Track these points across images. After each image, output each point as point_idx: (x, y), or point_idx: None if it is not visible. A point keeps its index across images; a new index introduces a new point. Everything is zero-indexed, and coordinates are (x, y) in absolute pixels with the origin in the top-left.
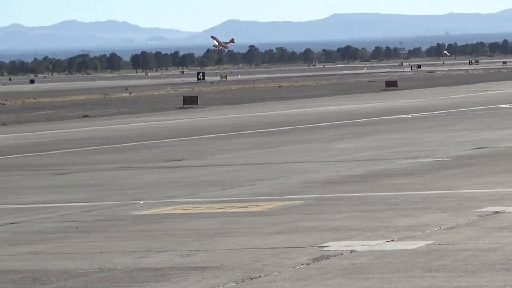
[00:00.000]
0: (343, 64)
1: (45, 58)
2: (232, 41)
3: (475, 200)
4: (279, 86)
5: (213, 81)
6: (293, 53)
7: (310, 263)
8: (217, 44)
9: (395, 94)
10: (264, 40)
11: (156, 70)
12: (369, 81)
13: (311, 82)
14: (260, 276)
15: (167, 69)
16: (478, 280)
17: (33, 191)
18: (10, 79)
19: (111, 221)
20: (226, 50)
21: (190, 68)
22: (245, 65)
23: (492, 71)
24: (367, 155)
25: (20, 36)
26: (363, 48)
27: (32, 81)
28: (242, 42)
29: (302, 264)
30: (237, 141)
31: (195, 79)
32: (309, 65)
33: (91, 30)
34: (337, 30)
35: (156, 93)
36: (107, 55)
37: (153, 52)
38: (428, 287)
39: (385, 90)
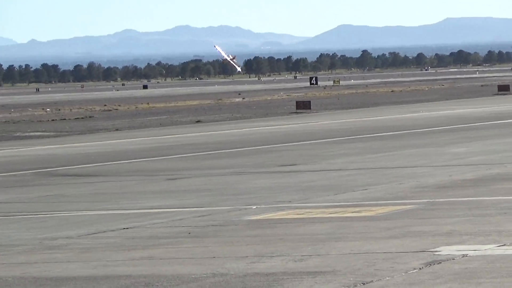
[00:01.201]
0: (456, 68)
1: (158, 63)
2: (233, 58)
3: None
4: (392, 91)
5: (326, 85)
6: (406, 57)
7: (422, 267)
8: (224, 57)
9: (507, 98)
10: (377, 44)
11: (269, 75)
12: (482, 85)
13: (424, 87)
14: (372, 281)
15: (280, 74)
16: None
17: (146, 196)
18: (123, 85)
19: (223, 226)
20: (237, 66)
21: (303, 73)
22: (358, 69)
23: None
24: (480, 159)
25: (133, 42)
26: (475, 53)
27: (145, 87)
28: (355, 47)
29: (414, 269)
30: (350, 146)
31: (308, 83)
32: (421, 70)
33: (204, 35)
34: (449, 35)
35: (269, 98)
36: (220, 60)
37: (266, 57)
38: None
39: (497, 94)
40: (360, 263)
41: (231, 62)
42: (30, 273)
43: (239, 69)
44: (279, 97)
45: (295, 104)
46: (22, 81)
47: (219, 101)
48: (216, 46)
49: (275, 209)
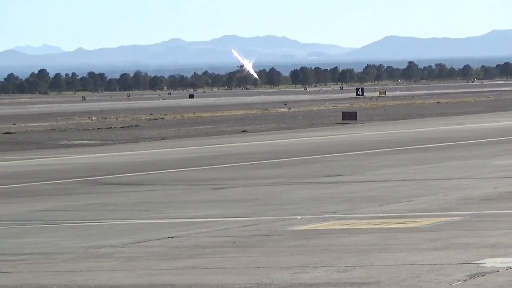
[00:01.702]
0: (502, 80)
1: (205, 73)
2: (249, 61)
3: None
4: (438, 102)
5: (372, 96)
6: (452, 69)
7: (467, 279)
8: (241, 63)
9: None
10: (423, 56)
11: (315, 86)
12: None
13: (470, 99)
14: None
15: (326, 84)
16: None
17: (191, 205)
18: (169, 94)
19: (268, 236)
20: (244, 67)
21: (349, 84)
22: (404, 81)
23: None
24: None
25: (180, 51)
26: None
27: (191, 96)
28: (401, 58)
29: (458, 281)
30: (395, 157)
31: (354, 94)
32: (467, 82)
33: (250, 45)
34: (496, 46)
35: (315, 109)
36: (267, 70)
37: (313, 68)
38: None
39: None
40: (404, 274)
41: (247, 69)
42: (75, 281)
43: (255, 75)
44: (325, 108)
45: (341, 114)
46: (68, 90)
47: (265, 111)
48: (234, 52)
49: (320, 220)
